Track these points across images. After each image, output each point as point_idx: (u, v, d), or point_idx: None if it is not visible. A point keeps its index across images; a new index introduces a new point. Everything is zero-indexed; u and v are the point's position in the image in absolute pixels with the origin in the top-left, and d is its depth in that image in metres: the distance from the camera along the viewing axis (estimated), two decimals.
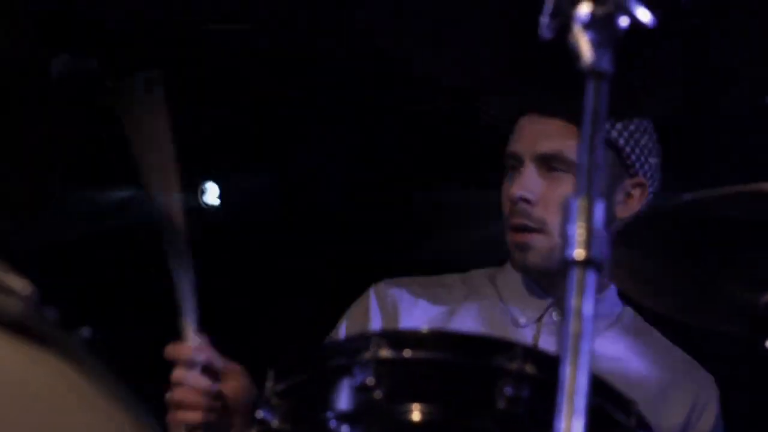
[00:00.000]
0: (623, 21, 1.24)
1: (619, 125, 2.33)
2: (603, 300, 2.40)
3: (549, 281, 2.37)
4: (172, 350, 2.13)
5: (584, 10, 1.23)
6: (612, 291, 2.43)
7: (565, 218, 1.21)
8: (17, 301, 1.30)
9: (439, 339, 1.55)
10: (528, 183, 2.30)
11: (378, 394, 1.50)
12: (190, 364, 2.10)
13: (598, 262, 1.24)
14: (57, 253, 3.91)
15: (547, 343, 2.33)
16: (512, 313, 2.38)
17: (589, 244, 1.23)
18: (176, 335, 2.13)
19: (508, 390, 1.49)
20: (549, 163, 2.31)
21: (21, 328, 1.29)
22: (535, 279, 2.39)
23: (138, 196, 4.10)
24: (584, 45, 1.22)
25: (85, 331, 1.33)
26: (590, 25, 1.23)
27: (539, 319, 2.37)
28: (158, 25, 3.94)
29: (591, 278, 1.25)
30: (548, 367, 1.50)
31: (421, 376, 1.53)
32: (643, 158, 2.38)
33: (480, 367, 1.52)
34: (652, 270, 1.79)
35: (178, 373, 2.12)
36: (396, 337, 1.52)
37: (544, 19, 1.25)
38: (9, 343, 1.30)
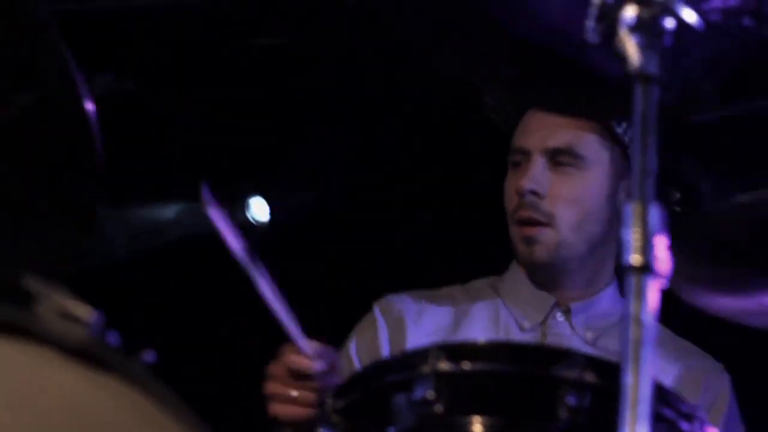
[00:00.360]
0: (669, 23, 1.24)
1: (624, 123, 2.33)
2: (602, 299, 2.39)
3: (553, 279, 2.37)
4: (293, 361, 2.01)
5: (630, 13, 1.23)
6: (611, 289, 2.43)
7: (622, 223, 1.20)
8: (81, 328, 1.31)
9: (498, 350, 1.54)
10: (536, 176, 2.30)
11: (438, 408, 1.49)
12: (310, 376, 2.01)
13: (655, 267, 1.23)
14: (111, 273, 3.95)
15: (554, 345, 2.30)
16: (516, 318, 2.37)
17: (645, 250, 1.23)
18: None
19: (570, 399, 1.48)
20: (557, 158, 2.31)
21: (85, 355, 1.31)
22: (539, 277, 2.38)
23: (188, 211, 4.12)
24: (631, 48, 1.22)
25: (149, 355, 1.34)
26: (636, 28, 1.22)
27: (544, 322, 2.36)
28: (189, 40, 3.98)
29: (648, 284, 1.25)
30: (609, 374, 1.48)
31: (481, 388, 1.52)
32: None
33: (540, 377, 1.51)
34: (708, 272, 1.77)
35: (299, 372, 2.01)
36: (454, 350, 1.52)
37: (590, 23, 1.24)
38: (74, 369, 1.32)
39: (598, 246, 2.36)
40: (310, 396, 2.02)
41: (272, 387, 2.06)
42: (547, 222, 2.30)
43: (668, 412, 1.55)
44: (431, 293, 2.46)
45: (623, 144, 2.35)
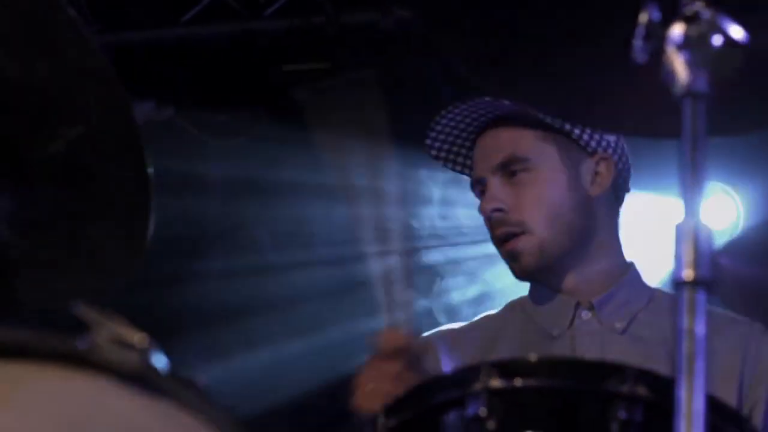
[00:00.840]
0: (717, 40, 1.24)
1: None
2: (623, 286, 2.38)
3: (557, 280, 2.37)
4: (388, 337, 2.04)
5: (677, 31, 1.23)
6: (632, 273, 2.42)
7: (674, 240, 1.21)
8: (135, 355, 1.33)
9: (549, 366, 1.54)
10: (495, 194, 2.36)
11: (491, 425, 1.49)
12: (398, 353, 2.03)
13: (707, 281, 1.24)
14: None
15: (586, 346, 2.31)
16: (544, 327, 2.37)
17: (696, 265, 1.23)
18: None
19: (622, 414, 1.48)
20: (508, 169, 2.37)
21: (140, 381, 1.32)
22: (545, 281, 2.39)
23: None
24: (679, 66, 1.22)
25: (201, 378, 1.35)
26: (684, 45, 1.22)
27: (571, 324, 2.36)
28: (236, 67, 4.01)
29: (701, 298, 1.25)
30: (661, 388, 1.48)
31: (534, 404, 1.52)
32: (597, 136, 2.41)
33: (592, 392, 1.51)
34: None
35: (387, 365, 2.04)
36: (506, 366, 1.52)
37: (637, 42, 1.25)
38: (129, 396, 1.33)
39: (584, 234, 2.37)
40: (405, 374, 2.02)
41: (370, 367, 2.06)
42: (522, 230, 2.34)
43: (720, 424, 1.54)
44: (465, 325, 2.48)
45: (564, 132, 2.38)
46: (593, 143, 2.40)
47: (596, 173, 2.39)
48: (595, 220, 2.38)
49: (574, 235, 2.36)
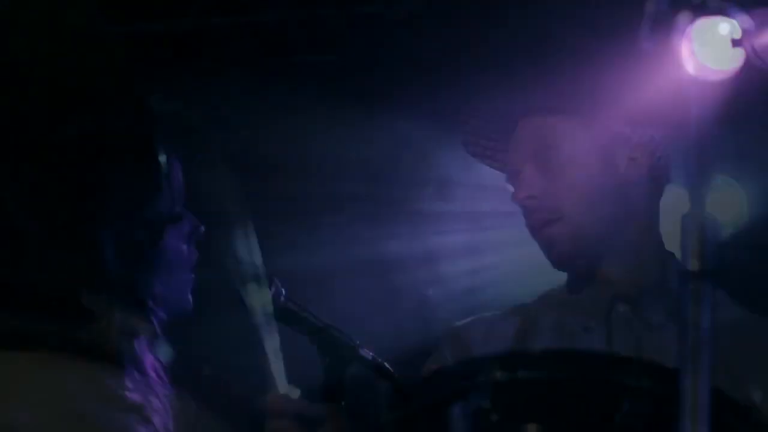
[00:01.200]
0: (724, 29, 1.23)
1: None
2: (668, 275, 2.33)
3: (595, 266, 2.34)
4: (271, 401, 1.89)
5: (685, 18, 1.22)
6: (677, 264, 2.33)
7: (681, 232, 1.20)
8: (142, 344, 1.33)
9: (554, 358, 1.54)
10: (527, 182, 2.34)
11: (494, 417, 1.49)
12: (281, 416, 1.90)
13: (713, 272, 1.23)
14: None
15: (622, 341, 2.27)
16: (580, 320, 2.33)
17: (702, 255, 1.22)
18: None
19: (626, 406, 1.47)
20: (539, 157, 2.35)
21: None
22: (581, 273, 2.35)
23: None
24: (686, 54, 1.21)
25: (206, 370, 1.35)
26: (692, 33, 1.22)
27: (607, 318, 2.31)
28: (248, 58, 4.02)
29: (706, 289, 1.24)
30: (666, 380, 1.47)
31: (537, 396, 1.52)
32: (629, 128, 2.35)
33: (596, 384, 1.51)
34: None
35: (272, 425, 1.89)
36: (509, 359, 1.52)
37: (645, 30, 1.24)
38: (135, 383, 1.33)
39: (620, 220, 2.32)
40: None
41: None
42: (557, 217, 2.32)
43: (725, 416, 1.53)
44: (499, 315, 2.44)
45: (588, 114, 2.34)
46: (627, 131, 2.35)
47: (631, 159, 2.35)
48: (630, 207, 2.34)
49: (609, 221, 2.32)
